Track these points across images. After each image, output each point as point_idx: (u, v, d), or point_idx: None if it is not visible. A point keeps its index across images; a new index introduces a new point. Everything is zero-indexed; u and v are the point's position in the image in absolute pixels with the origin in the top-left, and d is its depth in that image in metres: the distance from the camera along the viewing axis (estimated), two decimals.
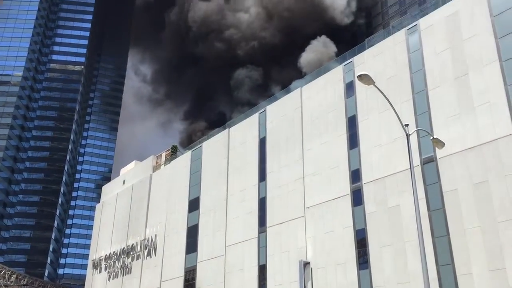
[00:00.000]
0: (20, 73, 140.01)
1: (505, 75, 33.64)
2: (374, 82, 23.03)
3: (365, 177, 41.36)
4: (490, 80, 34.40)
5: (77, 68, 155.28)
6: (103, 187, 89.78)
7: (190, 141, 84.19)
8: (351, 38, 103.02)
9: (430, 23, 40.38)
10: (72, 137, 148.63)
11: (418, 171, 36.69)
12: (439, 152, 35.65)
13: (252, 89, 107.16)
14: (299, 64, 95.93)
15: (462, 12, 38.01)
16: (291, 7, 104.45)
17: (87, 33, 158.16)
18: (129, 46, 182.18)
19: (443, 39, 38.89)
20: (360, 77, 22.87)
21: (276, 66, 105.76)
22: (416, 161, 36.91)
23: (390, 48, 43.22)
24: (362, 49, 47.47)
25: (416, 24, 41.64)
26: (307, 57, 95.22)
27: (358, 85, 43.49)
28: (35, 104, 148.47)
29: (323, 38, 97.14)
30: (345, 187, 42.86)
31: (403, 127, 24.13)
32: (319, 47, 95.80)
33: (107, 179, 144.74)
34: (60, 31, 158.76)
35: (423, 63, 39.77)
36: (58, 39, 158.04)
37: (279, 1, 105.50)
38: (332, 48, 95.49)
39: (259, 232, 50.44)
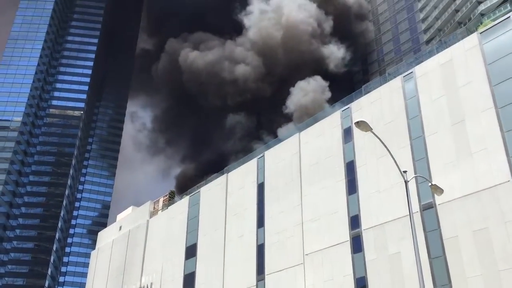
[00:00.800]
0: (20, 119, 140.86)
1: (501, 121, 33.97)
2: (372, 129, 23.17)
3: (365, 223, 40.97)
4: (487, 127, 34.69)
5: (77, 113, 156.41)
6: (99, 233, 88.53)
7: (188, 186, 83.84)
8: (347, 84, 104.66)
9: (426, 71, 41.12)
10: (69, 182, 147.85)
11: (417, 218, 36.39)
12: (438, 199, 35.48)
13: (245, 135, 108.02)
14: (290, 107, 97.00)
15: (456, 60, 38.78)
16: (286, 58, 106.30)
17: (88, 79, 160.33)
18: (129, 92, 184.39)
19: (438, 86, 39.50)
20: (358, 124, 23.04)
21: (269, 112, 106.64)
22: (416, 207, 36.68)
23: (387, 95, 43.81)
24: (359, 95, 48.13)
25: (412, 72, 42.40)
26: (301, 100, 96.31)
27: (356, 130, 43.77)
28: (33, 149, 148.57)
29: (319, 79, 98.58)
30: (345, 233, 42.36)
31: (401, 173, 24.10)
32: (313, 90, 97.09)
33: (103, 225, 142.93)
34: (61, 77, 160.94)
35: (419, 110, 40.21)
36: (58, 85, 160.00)
37: (275, 52, 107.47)
38: (325, 90, 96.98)
39: (258, 280, 49.43)
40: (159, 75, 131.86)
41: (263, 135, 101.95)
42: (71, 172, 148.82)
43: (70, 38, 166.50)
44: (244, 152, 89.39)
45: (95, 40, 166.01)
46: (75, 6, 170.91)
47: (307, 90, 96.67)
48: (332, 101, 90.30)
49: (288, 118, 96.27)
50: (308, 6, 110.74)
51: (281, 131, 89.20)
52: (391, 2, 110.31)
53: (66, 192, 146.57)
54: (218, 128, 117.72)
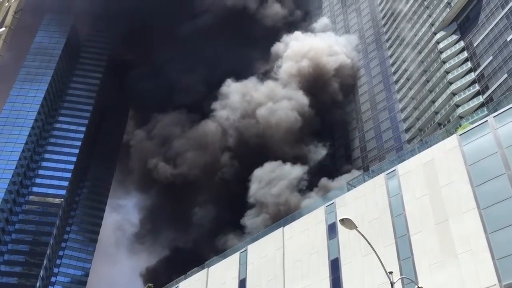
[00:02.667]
0: None
1: (485, 223, 33.93)
2: (357, 227, 22.95)
3: None
4: (471, 228, 34.58)
5: (57, 201, 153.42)
6: None
7: (168, 281, 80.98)
8: (330, 180, 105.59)
9: (408, 169, 41.73)
10: (42, 274, 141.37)
11: None
12: None
13: (218, 229, 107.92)
14: (258, 196, 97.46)
15: (437, 160, 39.55)
16: (267, 158, 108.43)
17: (72, 166, 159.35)
18: (112, 183, 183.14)
19: (421, 184, 39.88)
20: (343, 221, 22.85)
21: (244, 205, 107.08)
22: None
23: (371, 192, 43.98)
24: (343, 191, 48.26)
25: (395, 170, 42.97)
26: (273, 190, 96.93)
27: (341, 226, 43.31)
28: (7, 237, 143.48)
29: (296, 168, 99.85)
30: None
31: (387, 274, 23.51)
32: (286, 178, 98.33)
33: None
34: (44, 163, 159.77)
35: (403, 208, 40.21)
36: (41, 171, 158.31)
37: (252, 155, 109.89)
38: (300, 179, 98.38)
39: None
40: (136, 172, 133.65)
41: (236, 230, 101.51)
42: (45, 262, 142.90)
43: (58, 125, 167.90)
44: (218, 249, 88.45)
45: (83, 128, 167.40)
46: (66, 95, 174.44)
47: (275, 178, 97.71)
48: (315, 194, 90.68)
49: (268, 214, 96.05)
50: (291, 99, 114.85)
51: (260, 225, 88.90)
52: (373, 102, 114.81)
53: (38, 284, 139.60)
54: (197, 224, 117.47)
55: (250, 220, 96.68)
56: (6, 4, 28.76)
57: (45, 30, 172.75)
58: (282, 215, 71.92)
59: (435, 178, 38.96)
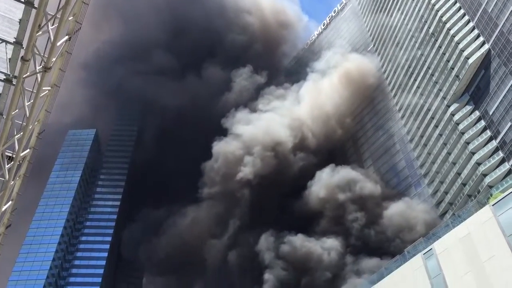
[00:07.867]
0: None
1: None
2: None
3: None
4: None
5: None
6: None
7: None
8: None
9: (446, 246, 39.87)
10: None
11: None
12: None
13: None
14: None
15: (474, 234, 37.84)
16: None
17: None
18: None
19: (462, 261, 37.88)
20: None
21: None
22: None
23: (410, 275, 41.85)
24: (381, 277, 46.03)
25: (432, 248, 41.10)
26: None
27: None
28: None
29: None
30: None
31: None
32: None
33: None
34: None
35: None
36: None
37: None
38: None
39: None
40: None
41: None
42: None
43: (78, 254, 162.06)
44: None
45: (102, 262, 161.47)
46: (83, 230, 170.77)
47: None
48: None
49: None
50: None
51: None
52: (398, 180, 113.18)
53: None
54: None
55: None
56: (30, 127, 30.28)
57: (67, 146, 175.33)
58: None
59: (475, 253, 37.01)
